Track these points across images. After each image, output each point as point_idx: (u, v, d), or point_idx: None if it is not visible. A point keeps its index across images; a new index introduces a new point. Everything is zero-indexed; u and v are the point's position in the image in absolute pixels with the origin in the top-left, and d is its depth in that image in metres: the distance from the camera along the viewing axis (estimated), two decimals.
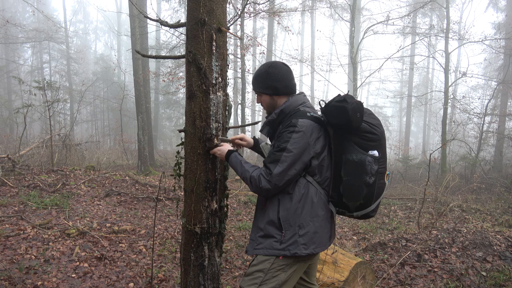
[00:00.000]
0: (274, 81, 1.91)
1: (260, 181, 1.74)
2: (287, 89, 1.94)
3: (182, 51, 13.39)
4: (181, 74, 13.59)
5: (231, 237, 4.87)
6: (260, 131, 2.01)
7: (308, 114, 1.82)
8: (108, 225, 4.86)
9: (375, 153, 1.76)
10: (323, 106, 1.83)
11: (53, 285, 3.14)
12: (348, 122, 1.70)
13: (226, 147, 1.99)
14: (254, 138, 2.23)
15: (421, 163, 13.64)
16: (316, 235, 1.80)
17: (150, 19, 2.64)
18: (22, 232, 4.25)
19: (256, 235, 1.87)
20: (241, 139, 2.18)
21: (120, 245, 4.24)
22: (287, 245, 1.76)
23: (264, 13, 11.83)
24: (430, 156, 6.35)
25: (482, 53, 16.57)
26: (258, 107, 19.06)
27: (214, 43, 2.00)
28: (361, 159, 1.73)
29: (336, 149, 1.83)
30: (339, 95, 1.81)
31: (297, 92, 2.01)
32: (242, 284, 1.84)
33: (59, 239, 4.18)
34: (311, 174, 1.81)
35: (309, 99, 22.35)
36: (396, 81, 28.20)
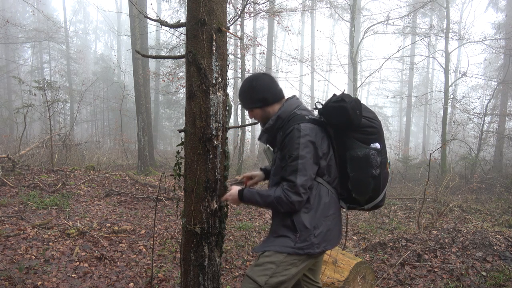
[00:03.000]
0: (261, 93, 1.90)
1: (289, 196, 1.71)
2: (276, 96, 1.93)
3: (182, 51, 13.38)
4: (181, 74, 13.58)
5: (231, 237, 4.87)
6: (259, 139, 1.98)
7: (307, 117, 1.83)
8: (108, 225, 4.86)
9: (377, 145, 1.79)
10: (320, 107, 1.84)
11: (53, 285, 3.14)
12: (349, 121, 1.72)
13: (235, 189, 1.94)
14: (260, 169, 2.21)
15: (421, 163, 13.64)
16: (329, 233, 1.85)
17: (150, 19, 2.64)
18: (22, 232, 4.25)
19: (268, 238, 1.91)
20: (250, 178, 2.17)
21: (120, 245, 4.24)
22: (301, 245, 1.79)
23: (264, 13, 11.82)
24: (430, 156, 6.35)
25: (482, 53, 16.60)
26: None
27: (214, 43, 2.00)
28: (366, 154, 1.76)
29: (339, 147, 1.85)
30: (334, 95, 1.82)
31: (286, 96, 2.00)
32: (251, 273, 1.81)
33: (59, 239, 4.18)
34: (321, 175, 1.83)
35: (309, 99, 22.39)
36: (396, 81, 28.19)
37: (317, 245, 1.80)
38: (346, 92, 1.95)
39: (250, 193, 1.85)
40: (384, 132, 1.91)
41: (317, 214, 1.81)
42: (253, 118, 2.03)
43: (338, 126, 1.79)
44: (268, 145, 2.04)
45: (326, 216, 1.83)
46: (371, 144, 1.79)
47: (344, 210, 2.05)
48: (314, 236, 1.79)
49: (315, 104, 1.93)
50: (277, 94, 1.93)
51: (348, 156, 1.80)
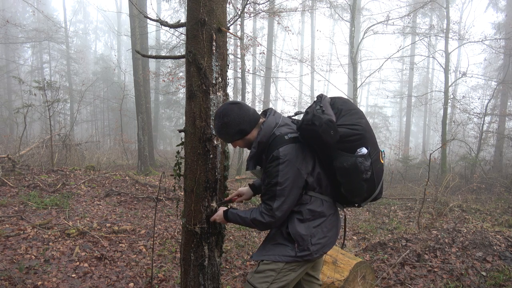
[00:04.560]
0: (235, 126, 1.82)
1: (264, 218, 1.79)
2: (251, 123, 1.86)
3: (182, 51, 13.38)
4: (181, 74, 13.58)
5: (231, 237, 4.87)
6: (247, 169, 1.95)
7: (286, 137, 1.78)
8: (108, 225, 4.86)
9: (363, 151, 1.74)
10: (297, 124, 1.82)
11: (53, 285, 3.14)
12: (324, 143, 1.69)
13: (221, 210, 2.02)
14: (249, 185, 2.22)
15: (421, 163, 13.63)
16: (326, 238, 1.86)
17: (150, 19, 2.64)
18: (22, 232, 4.25)
19: (266, 244, 1.93)
20: (238, 195, 2.21)
21: (120, 245, 4.24)
22: (301, 255, 1.82)
23: (264, 13, 11.82)
24: (430, 156, 6.35)
25: (482, 53, 16.61)
26: (258, 106, 19.07)
27: (214, 43, 2.00)
28: (352, 163, 1.72)
29: (325, 159, 1.82)
30: (307, 111, 1.77)
31: (266, 109, 1.96)
32: (252, 280, 1.86)
33: (59, 239, 4.18)
34: (311, 189, 1.84)
35: (309, 99, 22.37)
36: (396, 81, 28.18)
37: (315, 252, 1.83)
38: (346, 92, 1.93)
39: (232, 214, 1.95)
40: (368, 124, 1.85)
41: (313, 224, 1.83)
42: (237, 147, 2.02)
43: (316, 145, 1.77)
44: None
45: (322, 223, 1.85)
46: (358, 150, 1.74)
47: (341, 212, 2.06)
48: (312, 244, 1.81)
49: (294, 113, 1.95)
50: (252, 120, 1.86)
51: (335, 166, 1.77)
